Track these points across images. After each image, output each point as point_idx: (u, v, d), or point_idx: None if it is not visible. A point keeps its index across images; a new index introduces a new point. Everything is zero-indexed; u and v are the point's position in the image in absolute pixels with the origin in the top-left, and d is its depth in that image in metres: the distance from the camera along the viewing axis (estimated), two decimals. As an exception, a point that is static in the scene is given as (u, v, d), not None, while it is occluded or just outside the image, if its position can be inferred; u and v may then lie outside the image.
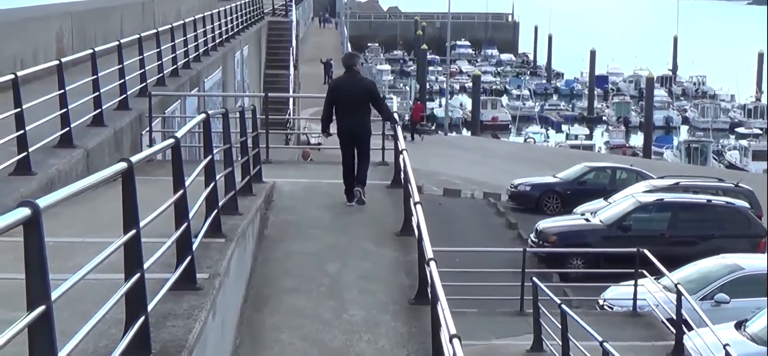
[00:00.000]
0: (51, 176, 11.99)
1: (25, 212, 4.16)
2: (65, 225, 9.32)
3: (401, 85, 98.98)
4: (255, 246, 12.24)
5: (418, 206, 10.77)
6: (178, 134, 7.89)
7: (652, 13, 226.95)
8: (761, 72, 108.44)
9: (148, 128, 17.81)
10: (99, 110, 15.40)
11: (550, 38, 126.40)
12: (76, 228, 9.51)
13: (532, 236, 29.22)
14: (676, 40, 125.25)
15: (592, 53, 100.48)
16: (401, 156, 14.21)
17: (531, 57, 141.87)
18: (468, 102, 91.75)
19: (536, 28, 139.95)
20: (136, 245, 6.12)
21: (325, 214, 14.40)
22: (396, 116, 16.51)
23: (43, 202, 4.30)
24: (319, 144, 39.67)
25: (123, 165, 5.99)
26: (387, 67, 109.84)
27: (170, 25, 23.79)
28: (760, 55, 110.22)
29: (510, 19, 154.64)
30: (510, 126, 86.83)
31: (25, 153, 11.51)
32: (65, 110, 13.43)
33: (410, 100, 78.45)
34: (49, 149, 12.92)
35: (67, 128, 13.49)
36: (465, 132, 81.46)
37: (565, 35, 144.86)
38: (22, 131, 11.49)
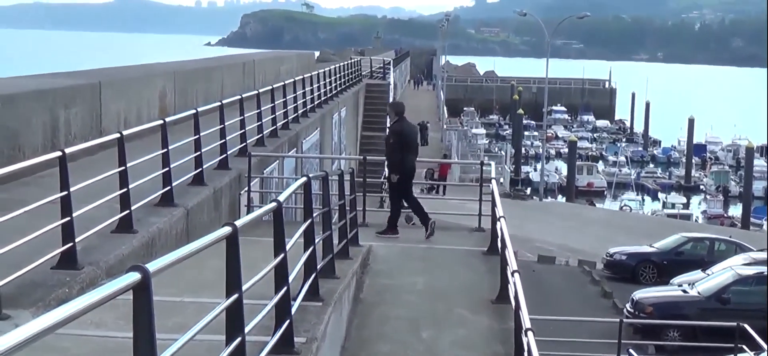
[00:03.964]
0: (152, 234, 12.15)
1: (135, 276, 4.22)
2: (164, 283, 9.39)
3: (496, 149, 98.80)
4: (350, 310, 12.26)
5: (516, 275, 10.69)
6: (281, 198, 7.96)
7: (752, 81, 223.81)
8: None
9: (246, 188, 17.99)
10: (200, 169, 15.62)
11: (647, 105, 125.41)
12: (176, 287, 9.60)
13: (627, 306, 28.82)
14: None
15: (691, 121, 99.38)
16: (498, 223, 14.15)
17: (627, 123, 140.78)
18: (563, 167, 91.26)
19: (633, 95, 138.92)
20: (239, 309, 6.17)
21: (419, 279, 14.38)
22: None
23: (152, 267, 4.36)
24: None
25: (228, 230, 6.05)
26: (482, 131, 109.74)
27: (270, 86, 24.05)
28: None
29: (607, 85, 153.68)
30: (606, 193, 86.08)
31: (127, 211, 11.69)
32: (167, 169, 13.63)
33: (506, 164, 78.27)
34: (151, 207, 13.09)
35: (169, 187, 13.68)
36: (560, 198, 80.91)
37: (663, 102, 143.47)
38: (125, 190, 11.68)
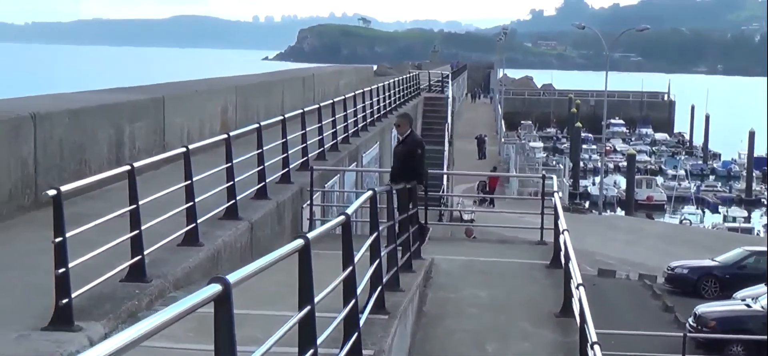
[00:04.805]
0: (217, 248, 12.24)
1: (216, 288, 4.26)
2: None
3: (554, 162, 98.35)
4: (414, 323, 12.28)
5: (581, 288, 10.65)
6: (349, 211, 7.99)
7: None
8: None
9: (308, 202, 18.07)
10: (263, 183, 15.71)
11: (706, 118, 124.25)
12: (243, 299, 9.61)
13: (690, 320, 28.56)
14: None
15: (751, 134, 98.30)
16: (562, 236, 14.11)
17: (687, 137, 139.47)
18: (622, 181, 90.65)
19: (693, 108, 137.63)
20: (311, 321, 6.21)
21: (482, 292, 14.38)
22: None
23: (232, 278, 4.41)
24: (473, 220, 39.70)
25: (300, 242, 6.09)
26: (540, 144, 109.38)
27: (331, 101, 24.13)
28: None
29: (665, 98, 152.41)
30: (665, 206, 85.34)
31: (193, 225, 11.78)
32: (232, 183, 13.73)
33: (564, 178, 77.87)
34: (216, 220, 13.19)
35: (233, 201, 13.78)
36: (619, 211, 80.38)
37: (723, 115, 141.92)
38: (191, 203, 11.78)
